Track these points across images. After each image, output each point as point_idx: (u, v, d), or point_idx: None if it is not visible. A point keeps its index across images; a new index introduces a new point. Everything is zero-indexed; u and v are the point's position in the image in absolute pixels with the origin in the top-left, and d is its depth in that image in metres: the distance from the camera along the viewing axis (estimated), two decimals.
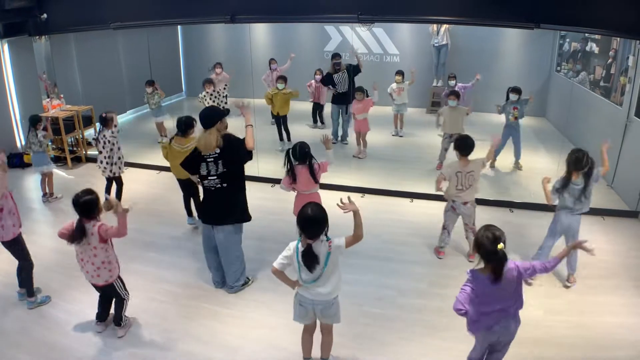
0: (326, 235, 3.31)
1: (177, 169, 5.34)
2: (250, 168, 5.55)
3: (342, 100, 8.91)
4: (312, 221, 3.21)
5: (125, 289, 4.10)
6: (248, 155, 4.47)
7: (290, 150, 5.01)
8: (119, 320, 4.12)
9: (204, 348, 3.98)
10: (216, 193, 4.41)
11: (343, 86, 8.94)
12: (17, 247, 4.40)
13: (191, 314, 4.42)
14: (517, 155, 7.93)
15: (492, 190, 7.20)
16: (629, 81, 6.77)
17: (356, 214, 3.40)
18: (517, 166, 7.95)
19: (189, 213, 6.04)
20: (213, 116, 4.35)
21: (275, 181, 7.02)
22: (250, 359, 3.88)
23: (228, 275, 4.73)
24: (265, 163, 7.30)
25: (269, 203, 6.51)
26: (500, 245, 2.94)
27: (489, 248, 2.96)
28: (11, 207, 4.30)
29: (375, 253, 5.44)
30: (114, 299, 4.12)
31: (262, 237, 5.61)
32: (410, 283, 4.89)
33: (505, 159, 8.10)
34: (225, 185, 4.38)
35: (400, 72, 9.32)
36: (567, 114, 9.37)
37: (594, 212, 6.19)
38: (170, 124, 9.02)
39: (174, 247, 5.61)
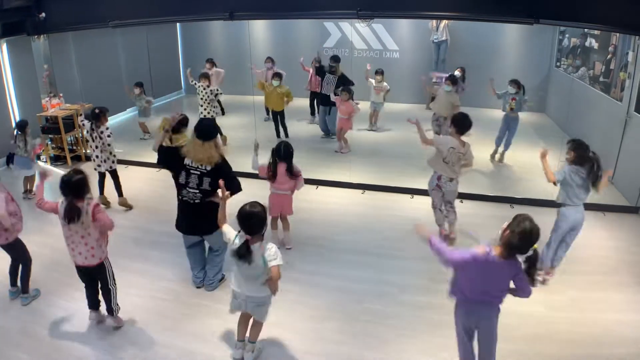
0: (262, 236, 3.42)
1: None
2: (244, 166, 5.57)
3: (327, 101, 9.03)
4: (249, 217, 3.32)
5: (114, 278, 4.08)
6: (238, 188, 4.35)
7: (274, 149, 5.10)
8: (110, 310, 4.09)
9: (205, 346, 3.98)
10: (194, 207, 4.37)
11: (329, 89, 9.03)
12: (20, 247, 4.43)
13: (192, 312, 4.42)
14: (506, 146, 7.96)
15: (493, 186, 7.20)
16: (628, 77, 6.75)
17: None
18: (501, 158, 8.02)
19: None
20: (215, 129, 4.41)
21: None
22: None
23: (209, 269, 4.75)
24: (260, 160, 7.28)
25: (266, 201, 6.51)
26: (536, 246, 2.86)
27: (522, 247, 2.88)
28: (14, 209, 4.32)
29: (376, 250, 5.44)
30: (100, 285, 4.07)
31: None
32: (411, 280, 4.89)
33: (508, 154, 8.11)
34: (205, 200, 4.34)
35: (380, 72, 9.40)
36: (567, 110, 9.35)
37: (594, 207, 6.20)
38: (153, 124, 9.10)
39: (174, 245, 5.58)
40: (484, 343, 3.29)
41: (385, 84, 9.41)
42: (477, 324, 3.25)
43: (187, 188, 4.32)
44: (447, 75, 8.16)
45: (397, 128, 9.85)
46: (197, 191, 4.30)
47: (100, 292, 4.13)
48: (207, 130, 4.32)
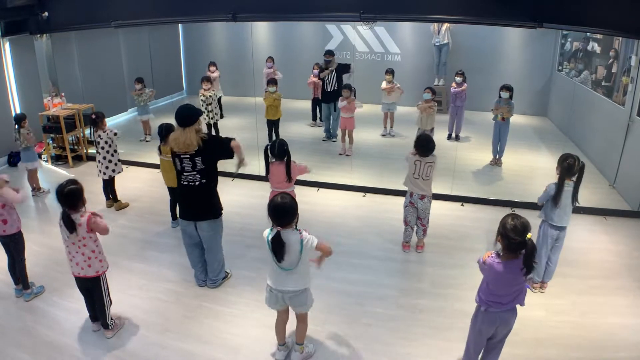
0: (296, 225, 3.43)
1: (167, 174, 5.61)
2: (248, 167, 5.56)
3: (331, 98, 9.04)
4: (279, 209, 3.33)
5: (109, 294, 4.04)
6: (231, 153, 4.43)
7: (269, 147, 5.02)
8: (106, 325, 4.07)
9: (205, 347, 3.97)
10: (196, 190, 4.35)
11: (331, 84, 9.10)
12: (20, 241, 4.45)
13: (192, 314, 4.41)
14: (500, 152, 8.01)
15: (494, 189, 7.20)
16: (631, 81, 6.75)
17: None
18: (498, 163, 8.04)
19: (174, 217, 6.05)
20: (191, 115, 4.22)
21: None
22: (251, 358, 3.87)
23: (211, 268, 4.75)
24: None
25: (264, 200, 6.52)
26: (529, 235, 2.91)
27: (517, 239, 2.92)
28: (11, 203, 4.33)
29: (377, 252, 5.43)
30: (95, 299, 4.01)
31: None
32: (412, 283, 4.88)
33: (509, 157, 8.11)
34: (204, 181, 4.33)
35: (389, 71, 9.32)
36: (569, 114, 9.36)
37: (595, 212, 6.21)
38: (156, 123, 9.06)
39: (175, 246, 5.59)
40: (494, 345, 3.35)
41: (397, 84, 9.27)
42: (496, 330, 3.27)
43: (184, 173, 4.33)
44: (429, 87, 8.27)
45: (399, 130, 9.84)
46: (195, 172, 4.29)
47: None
48: (183, 117, 4.20)
